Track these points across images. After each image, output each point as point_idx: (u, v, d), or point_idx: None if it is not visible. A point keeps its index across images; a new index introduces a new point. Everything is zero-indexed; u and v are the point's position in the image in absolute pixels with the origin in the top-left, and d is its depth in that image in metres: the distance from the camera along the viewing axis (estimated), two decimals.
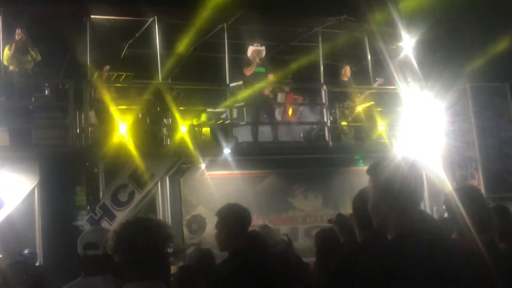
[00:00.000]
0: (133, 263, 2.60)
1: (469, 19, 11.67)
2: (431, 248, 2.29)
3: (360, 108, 11.07)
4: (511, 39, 11.82)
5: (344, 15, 10.66)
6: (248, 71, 10.39)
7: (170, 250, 2.76)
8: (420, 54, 11.26)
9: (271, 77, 10.68)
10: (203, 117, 10.26)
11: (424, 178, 2.50)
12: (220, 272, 3.90)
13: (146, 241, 2.62)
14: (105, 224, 8.88)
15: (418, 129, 10.49)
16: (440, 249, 2.31)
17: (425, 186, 2.50)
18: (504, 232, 5.04)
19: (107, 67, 10.43)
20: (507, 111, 11.37)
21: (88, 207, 9.52)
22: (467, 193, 3.60)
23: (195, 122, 9.89)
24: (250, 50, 10.66)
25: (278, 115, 11.45)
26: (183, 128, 9.43)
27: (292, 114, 11.61)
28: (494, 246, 3.43)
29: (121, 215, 8.92)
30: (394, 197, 2.40)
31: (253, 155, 10.25)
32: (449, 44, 11.60)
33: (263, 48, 10.68)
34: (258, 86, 10.24)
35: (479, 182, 10.74)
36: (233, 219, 3.86)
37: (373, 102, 11.06)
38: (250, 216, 3.94)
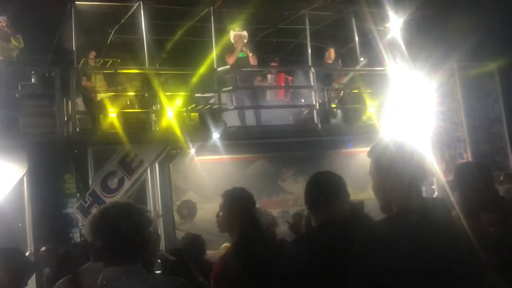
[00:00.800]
0: (116, 248, 2.58)
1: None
2: (422, 225, 2.35)
3: (346, 90, 11.10)
4: (499, 19, 11.82)
5: None
6: (231, 60, 10.36)
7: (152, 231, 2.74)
8: (408, 35, 11.24)
9: (253, 61, 10.64)
10: (192, 102, 10.21)
11: (423, 157, 2.55)
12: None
13: (129, 224, 2.60)
14: (95, 211, 8.85)
15: (407, 110, 10.52)
16: (434, 226, 2.36)
17: (424, 165, 2.56)
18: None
19: (93, 53, 10.34)
20: (494, 90, 11.42)
21: (78, 195, 9.51)
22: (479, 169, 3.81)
23: (183, 107, 9.84)
24: (232, 35, 10.63)
25: (270, 97, 11.47)
26: (171, 113, 9.39)
27: (284, 94, 11.67)
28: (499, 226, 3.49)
29: None
30: (398, 176, 2.46)
31: (242, 139, 10.25)
32: (437, 25, 11.59)
33: (245, 33, 10.63)
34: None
35: None
36: (241, 203, 3.87)
37: (359, 84, 11.06)
38: (254, 201, 3.95)
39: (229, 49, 10.55)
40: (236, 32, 10.57)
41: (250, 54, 10.71)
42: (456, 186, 3.87)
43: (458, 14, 11.94)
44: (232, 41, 10.65)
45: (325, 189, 3.22)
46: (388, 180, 2.49)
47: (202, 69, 10.48)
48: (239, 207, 3.85)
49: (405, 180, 2.45)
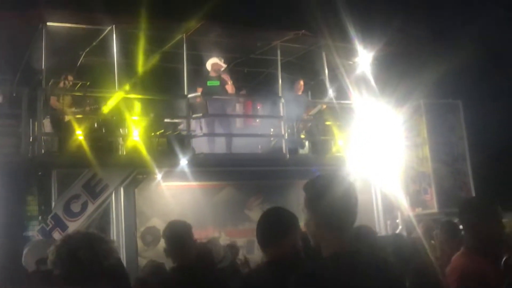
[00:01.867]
0: (73, 276, 2.55)
1: (423, 37, 11.97)
2: (355, 269, 2.29)
3: (314, 122, 11.24)
4: (463, 57, 12.16)
5: (302, 30, 10.80)
6: (199, 90, 10.50)
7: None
8: (376, 70, 11.49)
9: (231, 89, 10.78)
10: (160, 127, 10.18)
11: (358, 198, 2.49)
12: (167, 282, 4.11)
13: (87, 254, 2.58)
14: (56, 235, 8.70)
15: (374, 144, 10.67)
16: (367, 270, 2.30)
17: (358, 206, 2.48)
18: (451, 246, 5.14)
19: (69, 77, 10.23)
20: (459, 127, 11.65)
21: (40, 217, 9.31)
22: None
23: (151, 132, 9.80)
24: (210, 63, 10.75)
25: (239, 124, 11.54)
26: (139, 138, 9.33)
27: (253, 120, 11.77)
28: None
29: (74, 226, 8.74)
30: (327, 215, 2.39)
31: (210, 166, 10.22)
32: (404, 61, 11.87)
33: (223, 63, 10.80)
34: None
35: (431, 197, 10.97)
36: (172, 236, 4.17)
37: (327, 116, 11.22)
38: (188, 231, 4.20)
39: (202, 78, 10.69)
40: (215, 62, 10.71)
41: (230, 83, 10.81)
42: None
43: (425, 51, 12.25)
44: (209, 69, 10.78)
45: (274, 226, 3.19)
46: (319, 217, 2.41)
47: (172, 95, 10.51)
48: (172, 241, 4.13)
49: (340, 218, 2.39)
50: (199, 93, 10.45)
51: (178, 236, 4.12)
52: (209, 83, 10.82)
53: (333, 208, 2.40)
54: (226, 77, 10.97)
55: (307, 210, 2.49)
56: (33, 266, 3.99)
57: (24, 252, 4.71)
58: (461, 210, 3.49)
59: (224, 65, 11.03)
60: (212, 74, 10.92)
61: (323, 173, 2.66)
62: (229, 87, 10.95)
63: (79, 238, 2.67)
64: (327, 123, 11.31)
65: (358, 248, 2.41)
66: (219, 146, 10.64)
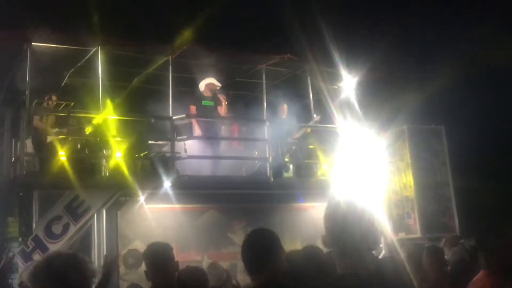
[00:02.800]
0: None
1: (407, 63, 12.12)
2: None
3: (298, 145, 11.27)
4: (446, 83, 12.32)
5: (288, 54, 10.89)
6: (192, 110, 10.50)
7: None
8: (360, 95, 11.59)
9: (221, 110, 10.82)
10: (144, 148, 10.13)
11: (369, 221, 2.54)
12: None
13: (77, 275, 2.53)
14: (37, 257, 8.57)
15: (358, 168, 10.71)
16: None
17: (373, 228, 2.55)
18: (436, 271, 5.15)
19: (53, 97, 10.17)
20: (442, 153, 11.73)
21: (20, 239, 9.17)
22: None
23: (135, 153, 9.74)
24: (204, 83, 10.80)
25: (224, 146, 11.52)
26: (122, 160, 9.28)
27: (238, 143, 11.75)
28: None
29: (54, 248, 8.61)
30: (335, 237, 2.49)
31: (194, 189, 10.17)
32: (387, 87, 11.98)
33: (219, 84, 10.86)
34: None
35: (415, 221, 10.99)
36: (151, 257, 4.15)
37: (312, 140, 11.25)
38: (168, 253, 4.17)
39: (196, 97, 10.70)
40: (209, 81, 10.76)
41: (224, 104, 10.84)
42: None
43: (408, 77, 12.39)
44: (202, 89, 10.82)
45: (260, 252, 3.18)
46: (337, 238, 2.49)
47: (156, 116, 10.49)
48: (150, 264, 4.12)
49: (356, 239, 2.45)
50: (184, 116, 10.44)
51: (157, 257, 4.08)
52: (203, 102, 10.84)
53: (339, 231, 2.51)
54: (221, 97, 10.95)
55: (326, 231, 2.60)
56: None
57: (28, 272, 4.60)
58: (483, 233, 3.56)
59: (219, 85, 11.05)
60: (207, 94, 10.94)
61: (340, 198, 2.70)
62: (221, 109, 10.96)
63: (63, 259, 2.62)
64: (311, 146, 11.33)
65: (362, 271, 2.44)
66: (206, 168, 10.60)
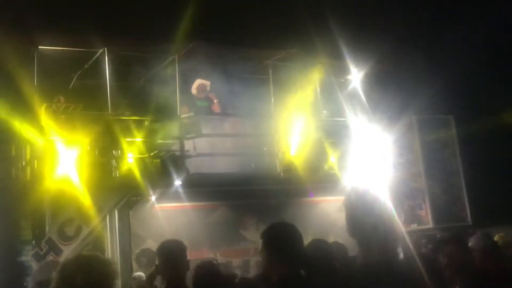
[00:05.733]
0: None
1: (414, 54, 12.05)
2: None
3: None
4: (455, 72, 12.24)
5: (294, 48, 10.84)
6: (186, 109, 10.48)
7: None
8: (368, 87, 11.54)
9: (215, 108, 10.79)
10: (154, 148, 10.15)
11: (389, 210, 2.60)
12: None
13: (85, 279, 2.54)
14: (51, 259, 8.63)
15: (367, 161, 10.68)
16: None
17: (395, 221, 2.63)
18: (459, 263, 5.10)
19: (61, 99, 10.21)
20: (452, 142, 11.69)
21: (34, 242, 9.23)
22: None
23: (145, 153, 9.76)
24: (195, 86, 10.78)
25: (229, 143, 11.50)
26: (132, 160, 9.30)
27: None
28: None
29: (68, 250, 8.68)
30: (357, 229, 2.57)
31: (204, 186, 10.17)
32: (396, 78, 11.93)
33: (208, 82, 10.79)
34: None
35: (426, 212, 10.97)
36: (163, 254, 4.09)
37: (320, 134, 11.21)
38: (180, 251, 4.11)
39: (190, 100, 10.71)
40: (199, 83, 10.73)
41: (215, 101, 10.82)
42: None
43: (416, 68, 12.32)
44: (194, 92, 10.81)
45: (283, 242, 3.23)
46: (360, 228, 2.57)
47: (165, 116, 10.51)
48: (161, 263, 4.06)
49: (378, 229, 2.52)
50: (191, 114, 10.45)
51: (170, 254, 4.08)
52: (198, 103, 10.84)
53: (357, 223, 2.60)
54: (212, 96, 10.96)
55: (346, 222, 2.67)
56: None
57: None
58: None
59: (208, 83, 11.01)
60: (200, 95, 10.94)
61: (359, 189, 2.78)
62: (215, 107, 10.94)
63: (77, 263, 2.63)
64: (321, 140, 11.29)
65: (384, 260, 2.50)
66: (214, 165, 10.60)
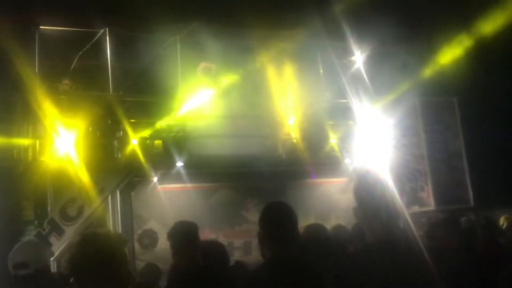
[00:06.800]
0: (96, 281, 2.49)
1: (417, 35, 11.95)
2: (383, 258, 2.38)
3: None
4: (458, 54, 12.15)
5: (297, 29, 10.76)
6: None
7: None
8: (371, 69, 11.46)
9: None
10: (155, 129, 10.13)
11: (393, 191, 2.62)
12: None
13: (98, 250, 2.53)
14: (53, 239, 8.68)
15: (369, 143, 10.65)
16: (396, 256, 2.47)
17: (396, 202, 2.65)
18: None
19: (64, 81, 10.17)
20: (455, 124, 11.66)
21: (36, 222, 9.27)
22: None
23: (147, 134, 9.75)
24: (200, 68, 10.72)
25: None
26: (134, 141, 9.29)
27: None
28: None
29: (70, 230, 8.72)
30: (361, 209, 2.64)
31: (206, 168, 10.17)
32: (399, 59, 11.84)
33: (213, 65, 10.73)
34: None
35: (428, 194, 10.97)
36: (175, 235, 4.17)
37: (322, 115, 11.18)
38: (192, 232, 4.14)
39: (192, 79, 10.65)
40: (203, 65, 10.66)
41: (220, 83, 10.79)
42: None
43: (419, 49, 12.23)
44: (200, 73, 10.74)
45: (280, 221, 3.22)
46: (368, 208, 2.62)
47: (167, 97, 10.46)
48: (178, 238, 4.13)
49: (385, 209, 2.57)
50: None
51: (182, 236, 4.07)
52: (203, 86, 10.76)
53: (361, 203, 2.65)
54: (217, 78, 10.90)
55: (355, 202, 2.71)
56: (12, 271, 3.83)
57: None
58: None
59: (213, 65, 10.95)
60: (206, 78, 10.84)
61: (367, 170, 2.80)
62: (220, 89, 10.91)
63: (102, 239, 2.59)
64: (323, 122, 11.25)
65: (388, 239, 2.53)
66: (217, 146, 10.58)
